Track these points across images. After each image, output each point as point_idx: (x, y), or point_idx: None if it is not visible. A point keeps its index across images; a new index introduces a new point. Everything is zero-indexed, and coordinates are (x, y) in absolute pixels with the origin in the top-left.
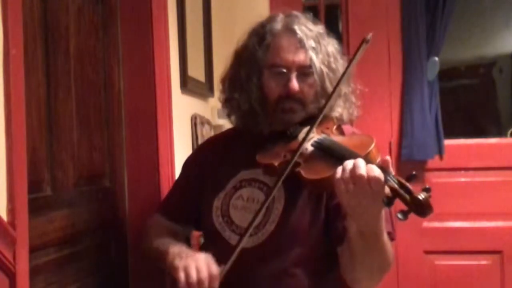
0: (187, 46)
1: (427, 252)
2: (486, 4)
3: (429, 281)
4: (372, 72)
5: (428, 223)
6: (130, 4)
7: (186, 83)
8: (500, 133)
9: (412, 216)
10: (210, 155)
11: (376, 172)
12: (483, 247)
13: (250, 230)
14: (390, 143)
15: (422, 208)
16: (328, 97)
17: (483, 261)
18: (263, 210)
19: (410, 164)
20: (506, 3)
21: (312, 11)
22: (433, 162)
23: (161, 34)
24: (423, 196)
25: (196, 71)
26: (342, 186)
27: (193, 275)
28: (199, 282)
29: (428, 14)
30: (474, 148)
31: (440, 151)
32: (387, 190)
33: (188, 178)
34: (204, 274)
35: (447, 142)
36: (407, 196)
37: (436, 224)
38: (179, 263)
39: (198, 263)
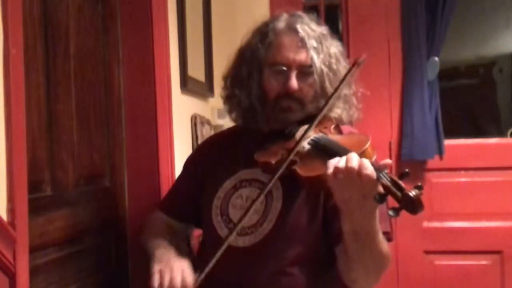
0: (187, 46)
1: (427, 252)
2: (486, 4)
3: (429, 281)
4: (372, 73)
5: (428, 223)
6: (130, 4)
7: (186, 83)
8: (500, 133)
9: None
10: (210, 154)
11: (369, 168)
12: (483, 247)
13: (238, 228)
14: (390, 143)
15: (413, 205)
16: (327, 100)
17: (483, 261)
18: (254, 207)
19: (410, 164)
20: (506, 3)
21: (312, 11)
22: (433, 162)
23: (161, 34)
24: (414, 194)
25: (196, 71)
26: (334, 177)
27: (166, 281)
28: None
29: (428, 14)
30: (474, 148)
31: (440, 151)
32: (380, 188)
33: (188, 177)
34: (177, 282)
35: (447, 142)
36: (399, 193)
37: (436, 224)
38: (156, 267)
39: (173, 271)
